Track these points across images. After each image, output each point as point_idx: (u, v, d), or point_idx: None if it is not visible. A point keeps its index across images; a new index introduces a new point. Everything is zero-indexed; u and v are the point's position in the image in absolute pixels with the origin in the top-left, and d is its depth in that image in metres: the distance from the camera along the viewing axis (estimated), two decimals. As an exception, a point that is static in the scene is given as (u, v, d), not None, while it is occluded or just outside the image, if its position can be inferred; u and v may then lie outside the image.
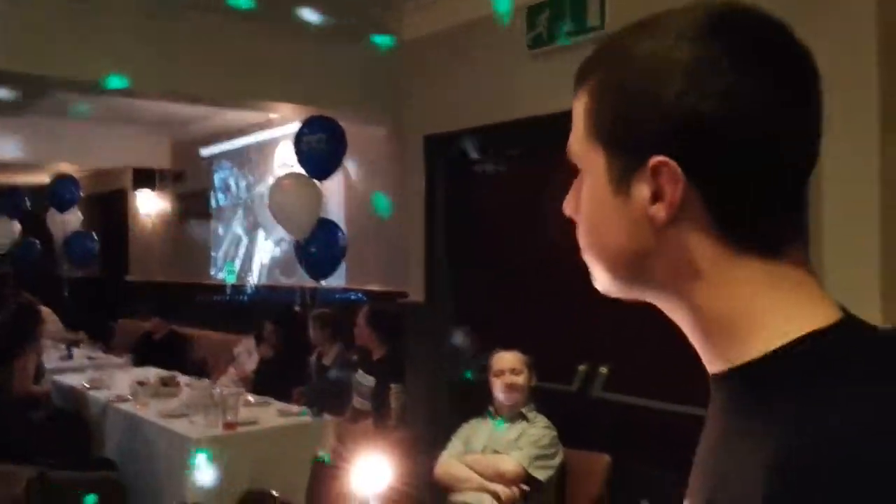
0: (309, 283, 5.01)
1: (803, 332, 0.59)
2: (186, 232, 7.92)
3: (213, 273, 7.41)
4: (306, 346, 5.21)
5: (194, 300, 7.24)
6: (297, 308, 5.22)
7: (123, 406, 4.43)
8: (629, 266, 0.67)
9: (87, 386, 4.92)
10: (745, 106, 0.60)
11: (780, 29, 0.63)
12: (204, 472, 3.65)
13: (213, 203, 7.46)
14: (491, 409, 3.30)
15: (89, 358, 6.23)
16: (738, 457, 0.58)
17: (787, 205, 0.64)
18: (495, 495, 3.00)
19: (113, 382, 4.99)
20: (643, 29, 0.65)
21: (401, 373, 4.40)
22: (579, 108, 0.69)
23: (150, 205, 8.54)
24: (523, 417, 3.20)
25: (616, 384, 3.30)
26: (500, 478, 3.03)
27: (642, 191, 0.63)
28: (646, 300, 0.69)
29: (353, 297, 5.51)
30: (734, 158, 0.61)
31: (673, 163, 0.61)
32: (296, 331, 5.32)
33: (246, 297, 6.81)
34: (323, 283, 4.71)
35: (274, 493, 3.48)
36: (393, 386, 4.42)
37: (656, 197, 0.62)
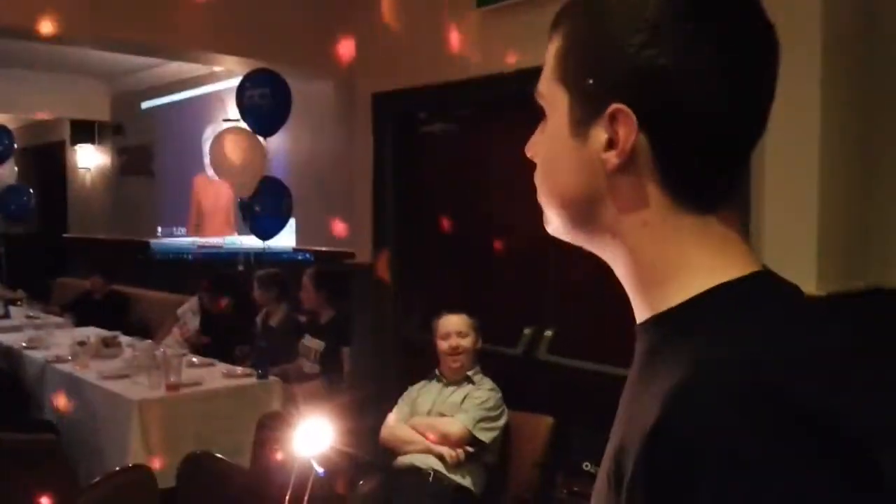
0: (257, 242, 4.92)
1: (720, 283, 0.64)
2: (127, 188, 7.69)
3: (155, 231, 7.23)
4: (249, 307, 5.15)
5: (136, 259, 7.07)
6: (240, 268, 5.14)
7: (63, 366, 4.32)
8: (579, 208, 0.69)
9: (25, 345, 4.79)
10: (701, 65, 0.63)
11: None
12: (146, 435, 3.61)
13: (155, 158, 7.25)
14: (437, 371, 3.31)
15: (28, 317, 6.04)
16: (645, 398, 0.61)
17: (729, 165, 0.66)
18: (440, 457, 3.03)
19: (52, 342, 4.86)
20: None
21: (350, 334, 4.37)
22: (551, 51, 0.71)
23: (89, 159, 8.26)
24: (469, 380, 3.22)
25: (561, 347, 3.34)
26: (445, 440, 3.05)
27: (599, 136, 0.65)
28: (589, 247, 0.72)
29: (300, 257, 5.44)
30: (684, 115, 0.63)
31: (629, 111, 0.63)
32: (236, 293, 5.26)
33: (190, 257, 6.68)
34: (269, 243, 4.62)
35: (218, 454, 3.45)
36: (345, 349, 4.40)
37: (611, 143, 0.65)
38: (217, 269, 5.81)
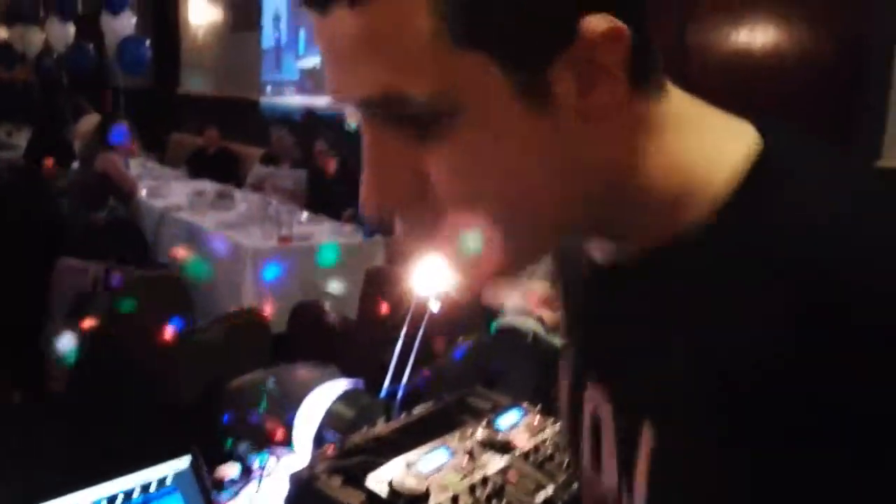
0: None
1: None
2: (235, 43, 7.74)
3: (264, 89, 7.30)
4: (356, 170, 5.21)
5: (244, 116, 7.19)
6: (353, 127, 5.15)
7: (180, 214, 4.53)
8: (598, 196, 0.50)
9: (144, 194, 5.02)
10: None
11: None
12: (259, 282, 3.79)
13: (262, 13, 7.22)
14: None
15: (145, 168, 6.31)
16: None
17: None
18: (539, 319, 3.04)
19: (169, 192, 5.08)
20: None
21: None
22: (398, 18, 0.45)
23: (200, 13, 8.32)
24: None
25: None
26: (545, 302, 3.05)
27: (565, 85, 0.45)
28: (599, 241, 0.55)
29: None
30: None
31: (613, 20, 0.45)
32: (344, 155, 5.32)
33: (298, 116, 6.74)
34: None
35: (327, 304, 3.59)
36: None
37: (586, 85, 0.45)
38: (326, 130, 5.85)
